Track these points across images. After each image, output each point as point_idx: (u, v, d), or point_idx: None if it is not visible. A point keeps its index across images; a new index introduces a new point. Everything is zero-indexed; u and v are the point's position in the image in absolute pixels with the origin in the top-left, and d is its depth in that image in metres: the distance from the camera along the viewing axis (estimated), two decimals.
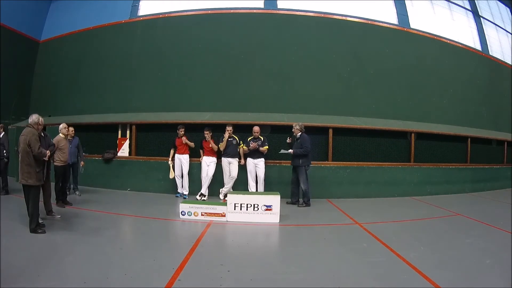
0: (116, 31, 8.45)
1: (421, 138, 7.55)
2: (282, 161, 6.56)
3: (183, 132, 6.30)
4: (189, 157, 6.39)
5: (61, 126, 5.34)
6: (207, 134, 6.14)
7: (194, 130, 6.63)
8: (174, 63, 7.85)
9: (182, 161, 6.31)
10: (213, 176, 6.13)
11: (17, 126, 8.13)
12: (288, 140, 6.04)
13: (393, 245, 3.55)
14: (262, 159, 6.10)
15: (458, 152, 8.07)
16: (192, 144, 6.33)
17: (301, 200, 5.84)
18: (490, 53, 9.91)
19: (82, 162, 6.28)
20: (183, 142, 6.25)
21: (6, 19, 8.27)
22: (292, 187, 5.95)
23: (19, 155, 3.71)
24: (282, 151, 5.89)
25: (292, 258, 3.20)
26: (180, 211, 4.61)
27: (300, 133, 5.80)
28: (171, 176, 6.38)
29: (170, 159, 6.39)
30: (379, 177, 6.99)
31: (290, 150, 5.79)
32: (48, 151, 3.85)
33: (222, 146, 6.10)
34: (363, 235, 4.02)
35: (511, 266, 2.97)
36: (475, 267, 2.97)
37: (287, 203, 5.81)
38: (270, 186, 6.30)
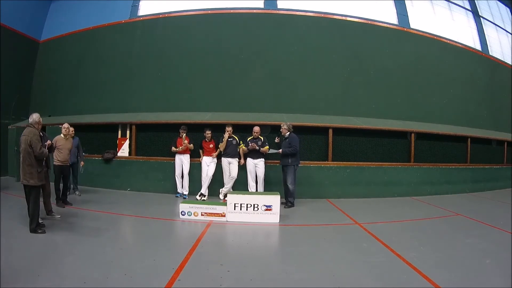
0: (116, 31, 8.45)
1: (421, 138, 7.54)
2: None
3: (183, 133, 6.29)
4: (189, 157, 6.40)
5: (63, 125, 5.32)
6: (208, 134, 6.14)
7: (194, 130, 6.62)
8: (174, 63, 7.85)
9: (183, 161, 6.31)
10: (213, 176, 6.14)
11: (17, 126, 8.14)
12: (276, 140, 6.05)
13: (393, 245, 3.55)
14: (262, 159, 6.10)
15: (458, 152, 8.07)
16: (191, 146, 6.33)
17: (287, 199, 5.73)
18: (490, 53, 9.91)
19: (82, 162, 6.28)
20: (183, 144, 6.21)
21: (6, 19, 8.26)
22: (285, 188, 5.85)
23: (20, 155, 3.71)
24: (271, 150, 5.91)
25: (292, 258, 3.20)
26: (180, 211, 4.62)
27: (288, 133, 5.79)
28: (183, 147, 6.20)
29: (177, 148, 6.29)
30: (379, 177, 6.99)
31: (280, 150, 5.78)
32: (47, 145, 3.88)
33: (222, 146, 6.10)
34: (363, 235, 4.02)
35: (511, 266, 2.97)
36: (475, 267, 2.97)
37: (282, 203, 5.74)
38: (270, 186, 6.30)
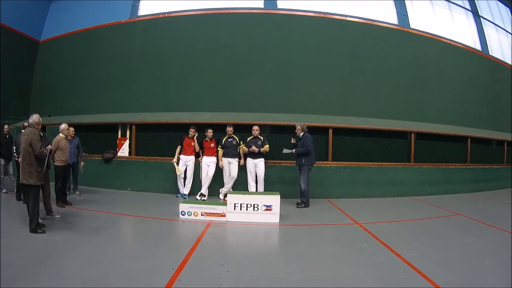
0: (116, 31, 8.45)
1: (421, 138, 7.55)
2: (282, 161, 6.57)
3: (193, 133, 6.21)
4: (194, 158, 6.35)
5: (62, 126, 5.33)
6: (209, 133, 6.16)
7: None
8: (174, 63, 7.85)
9: (187, 162, 6.27)
10: (213, 176, 6.13)
11: (17, 126, 8.14)
12: (292, 141, 6.05)
13: (393, 245, 3.55)
14: (262, 159, 6.10)
15: (458, 152, 8.07)
16: (197, 148, 6.30)
17: (299, 200, 5.78)
18: (490, 53, 9.91)
19: (82, 162, 6.29)
20: (191, 145, 6.19)
21: (6, 19, 8.26)
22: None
23: (20, 155, 3.73)
24: (285, 150, 5.89)
25: (292, 258, 3.19)
26: (180, 211, 4.61)
27: (302, 133, 5.79)
28: (178, 173, 6.21)
29: (175, 157, 6.27)
30: (379, 177, 6.99)
31: (293, 150, 5.79)
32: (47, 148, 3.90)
33: (220, 153, 6.14)
34: (363, 235, 4.02)
35: (511, 266, 2.97)
36: (475, 267, 2.97)
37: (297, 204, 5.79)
38: (270, 186, 6.29)
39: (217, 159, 6.18)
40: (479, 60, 9.50)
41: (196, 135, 6.27)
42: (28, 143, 3.62)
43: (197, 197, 5.98)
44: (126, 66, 8.13)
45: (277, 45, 7.71)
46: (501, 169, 8.96)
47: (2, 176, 6.14)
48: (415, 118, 8.00)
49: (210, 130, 6.19)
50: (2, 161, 6.08)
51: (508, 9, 11.53)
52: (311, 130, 6.75)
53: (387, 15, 8.45)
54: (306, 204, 5.66)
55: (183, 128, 6.50)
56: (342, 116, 7.43)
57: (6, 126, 6.34)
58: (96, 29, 8.62)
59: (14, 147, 5.72)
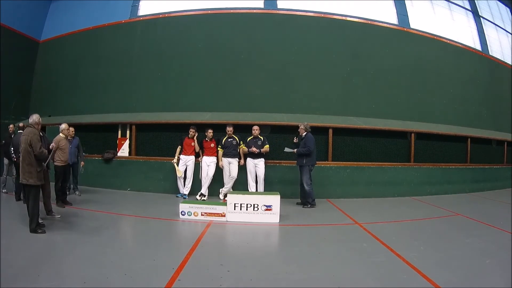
0: (116, 31, 8.45)
1: (421, 138, 7.55)
2: (283, 160, 6.57)
3: (193, 133, 6.21)
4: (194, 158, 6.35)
5: (62, 126, 5.33)
6: (210, 133, 6.16)
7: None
8: (174, 63, 7.86)
9: (187, 162, 6.27)
10: (213, 176, 6.13)
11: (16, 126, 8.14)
12: (295, 140, 6.06)
13: (393, 245, 3.55)
14: (262, 159, 6.10)
15: (458, 152, 8.07)
16: (197, 148, 6.31)
17: (304, 200, 5.77)
18: (490, 53, 9.91)
19: (82, 162, 6.29)
20: (190, 145, 6.21)
21: (6, 19, 8.27)
22: (300, 188, 5.86)
23: (20, 155, 3.73)
24: (287, 149, 5.90)
25: (292, 258, 3.19)
26: (180, 211, 4.62)
27: (305, 133, 5.79)
28: (179, 174, 6.22)
29: (175, 157, 6.28)
30: (379, 177, 6.99)
31: (294, 150, 5.79)
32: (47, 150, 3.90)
33: (220, 153, 6.14)
34: (363, 235, 4.02)
35: (511, 266, 2.97)
36: (475, 267, 2.97)
37: (297, 203, 5.83)
38: (270, 186, 6.29)
39: (217, 159, 6.19)
40: (479, 60, 9.50)
41: (196, 135, 6.28)
42: (28, 143, 3.62)
43: (197, 197, 5.98)
44: (126, 66, 8.13)
45: (277, 45, 7.70)
46: (501, 169, 8.96)
47: (5, 176, 6.14)
48: (415, 118, 8.00)
49: (210, 130, 6.19)
50: (6, 161, 6.08)
51: (508, 9, 11.53)
52: (311, 130, 6.77)
53: (387, 15, 8.45)
54: (312, 205, 5.66)
55: (183, 128, 6.51)
56: (342, 116, 7.43)
57: (11, 126, 6.35)
58: (96, 29, 8.62)
59: (12, 148, 5.71)
